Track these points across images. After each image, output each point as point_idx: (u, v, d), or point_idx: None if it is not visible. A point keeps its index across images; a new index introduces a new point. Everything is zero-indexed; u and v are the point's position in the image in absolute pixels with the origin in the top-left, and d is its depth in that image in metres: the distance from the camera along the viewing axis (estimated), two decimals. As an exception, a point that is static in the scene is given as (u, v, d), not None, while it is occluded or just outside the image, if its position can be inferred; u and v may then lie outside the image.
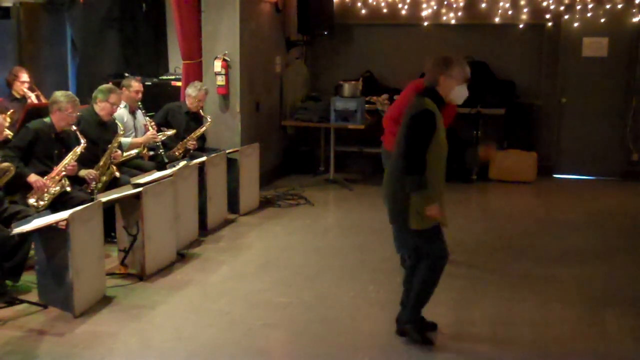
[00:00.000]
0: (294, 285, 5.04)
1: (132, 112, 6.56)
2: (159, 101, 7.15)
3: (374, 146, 9.14)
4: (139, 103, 6.55)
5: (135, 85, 6.52)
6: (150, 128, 6.43)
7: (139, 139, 6.43)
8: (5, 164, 4.79)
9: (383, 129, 5.39)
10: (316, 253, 5.88)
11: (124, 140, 6.26)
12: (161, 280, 5.11)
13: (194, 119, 6.97)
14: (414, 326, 4.03)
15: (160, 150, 6.43)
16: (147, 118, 6.51)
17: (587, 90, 9.07)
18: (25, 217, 4.49)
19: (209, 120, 6.92)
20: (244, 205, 7.03)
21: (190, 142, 6.77)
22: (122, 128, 6.01)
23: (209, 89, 7.16)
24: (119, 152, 5.88)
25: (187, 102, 6.88)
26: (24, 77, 6.79)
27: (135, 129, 6.56)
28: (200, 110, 6.95)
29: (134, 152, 6.35)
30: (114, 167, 5.75)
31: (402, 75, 9.33)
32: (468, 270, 5.41)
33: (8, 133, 5.13)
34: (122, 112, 6.38)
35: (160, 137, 6.50)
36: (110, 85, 6.12)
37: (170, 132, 6.66)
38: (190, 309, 4.61)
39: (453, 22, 9.20)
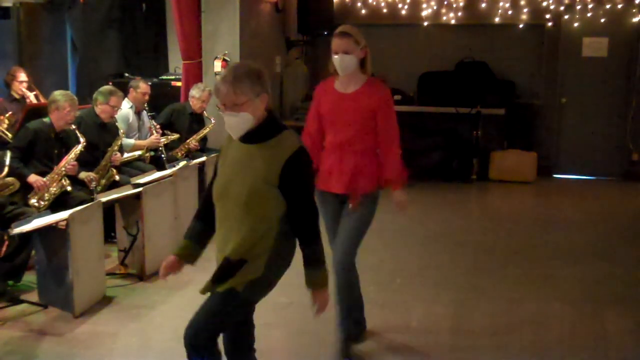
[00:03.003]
0: (294, 285, 4.97)
1: (138, 113, 6.56)
2: (159, 101, 7.14)
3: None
4: (145, 105, 6.55)
5: (143, 86, 6.53)
6: (154, 132, 6.43)
7: (143, 142, 6.43)
8: (11, 179, 4.77)
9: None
10: (316, 253, 5.86)
11: (127, 141, 6.26)
12: (161, 280, 5.10)
13: (197, 120, 6.97)
14: None
15: (162, 155, 6.39)
16: (153, 122, 6.51)
17: (587, 90, 9.08)
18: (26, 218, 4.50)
19: (213, 121, 6.92)
20: (244, 205, 7.01)
21: (193, 143, 6.77)
22: (123, 131, 6.01)
23: (212, 90, 7.17)
24: (119, 154, 5.87)
25: (191, 103, 6.88)
26: (22, 76, 6.78)
27: (139, 130, 6.57)
28: (204, 112, 6.95)
29: (136, 154, 6.35)
30: (114, 170, 5.74)
31: (402, 76, 9.36)
32: (468, 270, 5.41)
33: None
34: (127, 112, 6.38)
35: (164, 141, 6.49)
36: (111, 87, 6.11)
37: (174, 136, 6.66)
38: (190, 309, 4.55)
39: (453, 22, 9.20)
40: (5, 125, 5.56)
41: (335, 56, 3.60)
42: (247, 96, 2.58)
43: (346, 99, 3.66)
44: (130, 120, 6.44)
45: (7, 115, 5.65)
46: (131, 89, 6.48)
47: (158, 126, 6.51)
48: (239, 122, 2.62)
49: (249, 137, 2.66)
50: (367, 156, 3.70)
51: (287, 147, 2.63)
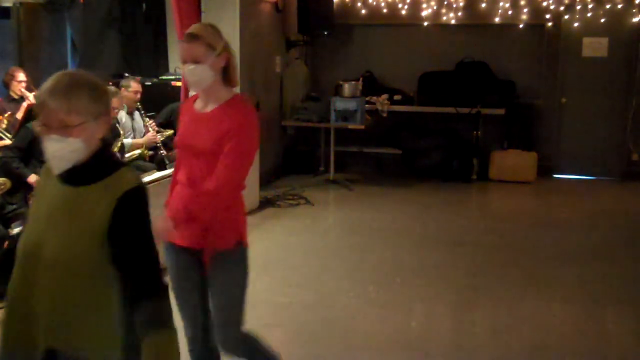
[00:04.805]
0: (294, 285, 5.04)
1: (130, 113, 6.56)
2: (159, 101, 7.15)
3: (374, 146, 9.19)
4: (138, 104, 6.55)
5: (133, 85, 6.52)
6: (150, 129, 6.44)
7: (140, 140, 6.44)
8: (1, 179, 4.78)
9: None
10: (316, 253, 5.88)
11: (126, 141, 6.26)
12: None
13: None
14: None
15: (161, 152, 6.43)
16: (147, 119, 6.52)
17: (587, 90, 9.07)
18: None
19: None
20: (244, 205, 7.01)
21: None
22: (122, 131, 6.01)
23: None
24: (118, 156, 5.88)
25: None
26: (21, 76, 6.78)
27: (133, 130, 6.56)
28: None
29: (136, 152, 6.36)
30: None
31: (402, 76, 9.37)
32: (468, 270, 5.41)
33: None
34: (120, 113, 6.38)
35: (160, 137, 6.51)
36: (111, 88, 6.12)
37: (169, 132, 6.67)
38: (190, 309, 4.60)
39: (453, 22, 9.20)
40: (4, 126, 5.56)
41: (185, 66, 2.74)
42: (83, 117, 1.88)
43: (201, 120, 2.78)
44: (124, 121, 6.44)
45: (6, 115, 5.65)
46: (122, 89, 6.46)
47: (153, 123, 6.52)
48: (65, 151, 1.88)
49: (72, 175, 1.93)
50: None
51: (118, 187, 1.92)
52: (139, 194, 1.96)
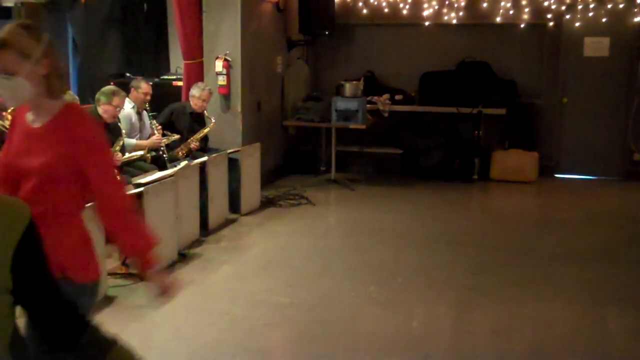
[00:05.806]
0: (295, 285, 5.04)
1: (139, 113, 6.58)
2: (160, 101, 7.16)
3: (375, 146, 9.19)
4: (147, 105, 6.57)
5: (144, 86, 6.54)
6: (156, 132, 6.44)
7: (144, 142, 6.44)
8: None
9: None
10: (317, 253, 5.88)
11: (129, 141, 6.27)
12: (162, 280, 5.11)
13: (197, 120, 6.98)
14: None
15: (164, 156, 6.41)
16: (154, 122, 6.53)
17: (588, 90, 9.07)
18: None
19: (213, 121, 6.93)
20: (245, 205, 7.03)
21: (194, 143, 6.79)
22: (125, 130, 6.01)
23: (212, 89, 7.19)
24: (119, 155, 5.87)
25: (192, 102, 6.89)
26: None
27: (140, 131, 6.58)
28: (205, 111, 6.97)
29: (137, 154, 6.36)
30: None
31: (404, 75, 9.37)
32: (468, 270, 5.41)
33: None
34: (130, 112, 6.39)
35: (165, 141, 6.50)
36: (113, 87, 6.12)
37: (175, 137, 6.66)
38: (191, 309, 4.61)
39: (454, 21, 9.20)
40: (8, 122, 5.58)
41: None
42: None
43: (31, 136, 2.40)
44: (133, 120, 6.45)
45: (9, 111, 5.67)
46: (132, 89, 6.50)
47: (159, 127, 6.52)
48: None
49: None
50: (50, 225, 2.29)
51: (12, 224, 1.62)
52: (36, 228, 1.68)
